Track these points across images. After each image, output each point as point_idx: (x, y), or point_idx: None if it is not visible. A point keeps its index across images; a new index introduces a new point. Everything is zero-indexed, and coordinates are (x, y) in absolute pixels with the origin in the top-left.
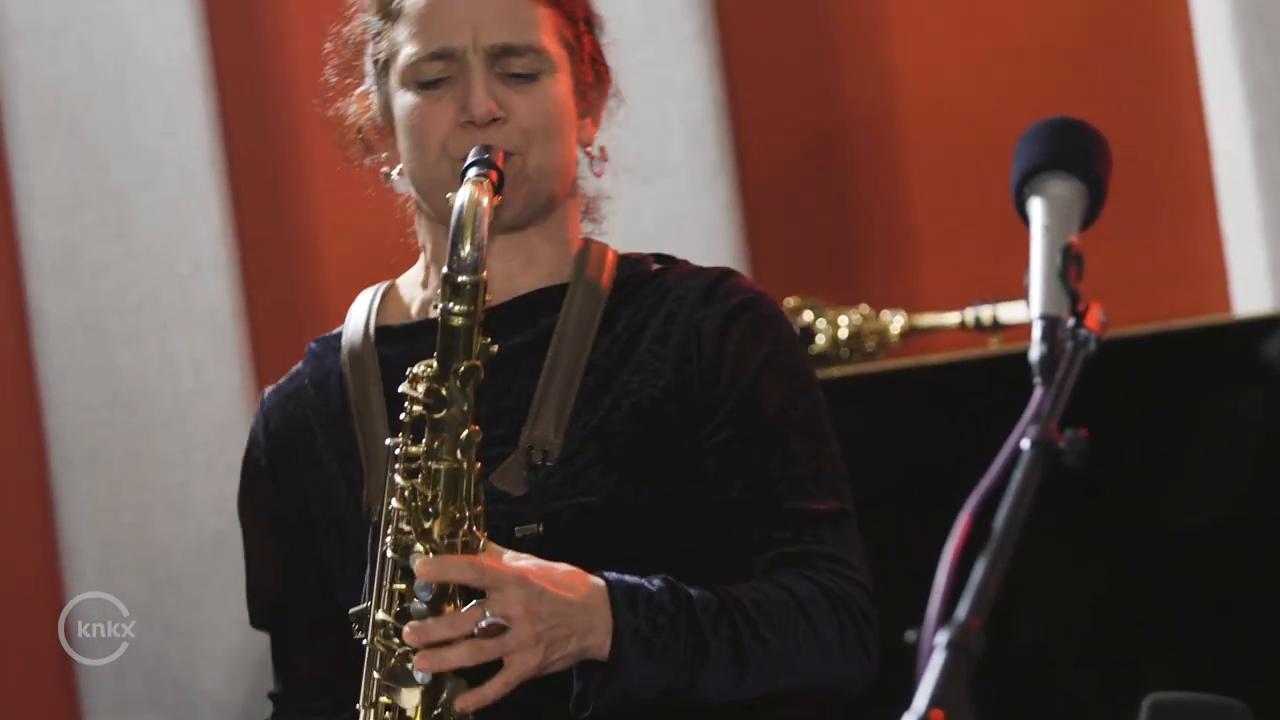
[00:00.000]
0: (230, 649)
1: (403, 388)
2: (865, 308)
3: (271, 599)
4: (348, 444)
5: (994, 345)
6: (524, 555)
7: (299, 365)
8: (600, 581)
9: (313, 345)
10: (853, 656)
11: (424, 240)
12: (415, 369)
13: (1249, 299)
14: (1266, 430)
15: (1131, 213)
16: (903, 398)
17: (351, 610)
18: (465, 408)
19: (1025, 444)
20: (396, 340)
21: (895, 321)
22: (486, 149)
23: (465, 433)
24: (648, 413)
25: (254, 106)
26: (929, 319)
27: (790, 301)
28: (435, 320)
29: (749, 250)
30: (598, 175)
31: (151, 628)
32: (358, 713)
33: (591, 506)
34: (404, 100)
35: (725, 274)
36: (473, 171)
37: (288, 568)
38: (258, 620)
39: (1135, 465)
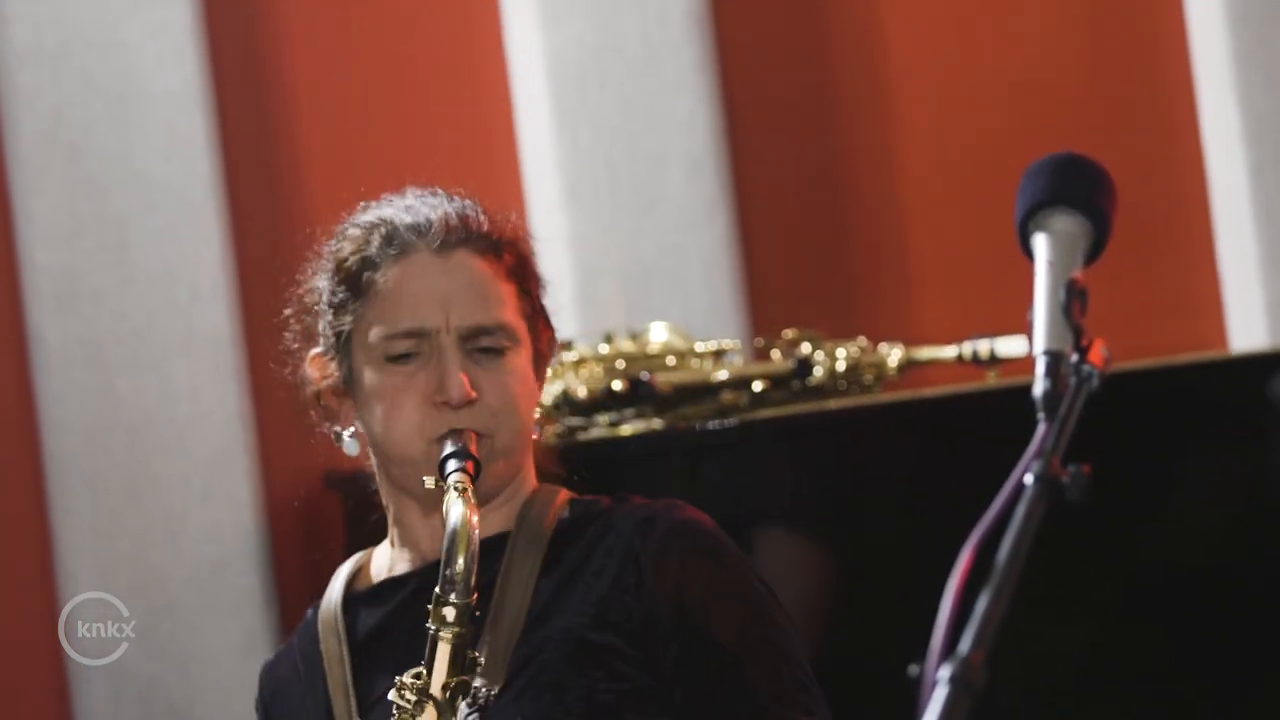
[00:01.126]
0: (226, 676)
1: (391, 695)
2: (863, 340)
3: None
4: (322, 706)
5: (991, 379)
6: None
7: (293, 636)
8: None
9: (308, 612)
10: None
11: (387, 502)
12: (404, 678)
13: (1245, 335)
14: (1262, 467)
15: (1129, 248)
16: (900, 431)
17: None
18: (452, 718)
19: (1029, 479)
20: (360, 604)
21: (893, 355)
22: (460, 436)
23: None
24: (576, 638)
25: (254, 134)
26: (926, 352)
27: (788, 334)
28: (397, 578)
29: (747, 282)
30: (535, 438)
31: (148, 654)
32: None
33: None
34: (373, 375)
35: (667, 505)
36: (451, 465)
37: None
38: None
39: (1129, 501)
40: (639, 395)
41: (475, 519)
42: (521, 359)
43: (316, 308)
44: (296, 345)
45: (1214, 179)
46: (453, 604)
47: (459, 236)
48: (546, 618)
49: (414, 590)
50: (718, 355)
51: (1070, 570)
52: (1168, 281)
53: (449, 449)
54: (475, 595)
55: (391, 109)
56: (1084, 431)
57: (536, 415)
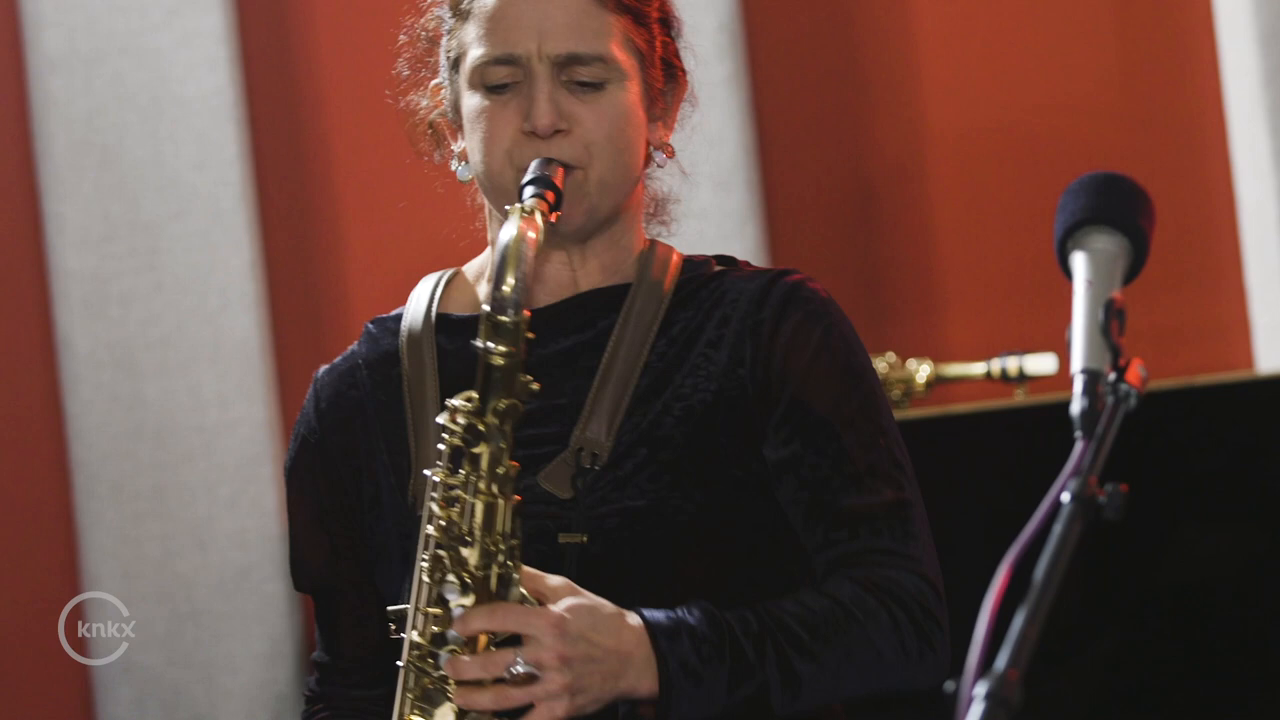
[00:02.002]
0: (250, 683)
1: (441, 418)
2: (892, 356)
3: (315, 570)
4: (398, 431)
5: (1019, 396)
6: (563, 585)
7: (354, 345)
8: (638, 620)
9: (369, 325)
10: (914, 656)
11: (491, 234)
12: (454, 401)
13: (1271, 356)
14: None
15: (1156, 268)
16: (928, 447)
17: (390, 609)
18: (503, 444)
19: (1066, 497)
20: (455, 331)
21: (921, 371)
22: (547, 165)
23: (502, 469)
24: (699, 417)
25: (285, 142)
26: (955, 369)
27: None
28: None
29: None
30: (660, 166)
31: (172, 661)
32: None
33: (639, 511)
34: (471, 101)
35: (780, 274)
36: (528, 192)
37: (334, 544)
38: (301, 586)
39: (1155, 520)
40: None
41: (533, 236)
42: (627, 95)
43: (436, 35)
44: (408, 74)
45: (1242, 200)
46: (500, 323)
47: None
48: (661, 386)
49: None
50: None
51: (1095, 586)
52: (1195, 302)
53: (530, 175)
54: (528, 313)
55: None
56: (1111, 450)
57: (660, 157)
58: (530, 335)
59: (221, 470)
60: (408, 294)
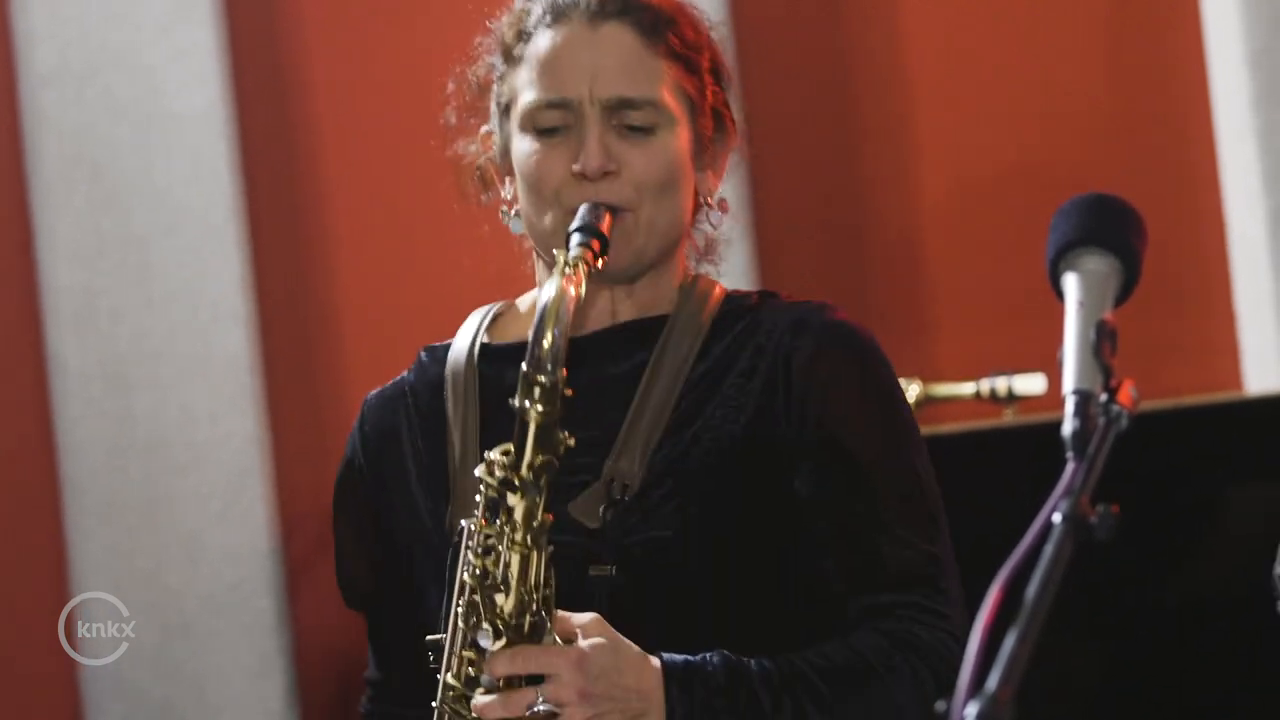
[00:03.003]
0: (239, 698)
1: (478, 471)
2: None
3: (363, 588)
4: (438, 459)
5: (1009, 416)
6: (593, 623)
7: (405, 372)
8: (658, 663)
9: (421, 353)
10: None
11: (539, 277)
12: (492, 455)
13: (1261, 377)
14: (1277, 508)
15: (1145, 288)
16: None
17: (427, 638)
18: (538, 498)
19: (1057, 518)
20: (496, 358)
21: (910, 390)
22: (594, 211)
23: (537, 521)
24: (728, 449)
25: (276, 157)
26: (944, 388)
27: None
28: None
29: None
30: (714, 227)
31: (162, 675)
32: None
33: (666, 541)
34: (521, 145)
35: (819, 306)
36: (574, 240)
37: (379, 563)
38: (351, 604)
39: (1143, 542)
40: None
41: (574, 293)
42: (676, 140)
43: (486, 81)
44: (455, 122)
45: (1231, 221)
46: (540, 382)
47: (614, 9)
48: (693, 416)
49: None
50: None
51: (1084, 606)
52: (1184, 322)
53: (577, 222)
54: (564, 372)
55: (414, 133)
56: (1102, 471)
57: (711, 213)
58: (569, 392)
59: (212, 485)
60: (398, 310)
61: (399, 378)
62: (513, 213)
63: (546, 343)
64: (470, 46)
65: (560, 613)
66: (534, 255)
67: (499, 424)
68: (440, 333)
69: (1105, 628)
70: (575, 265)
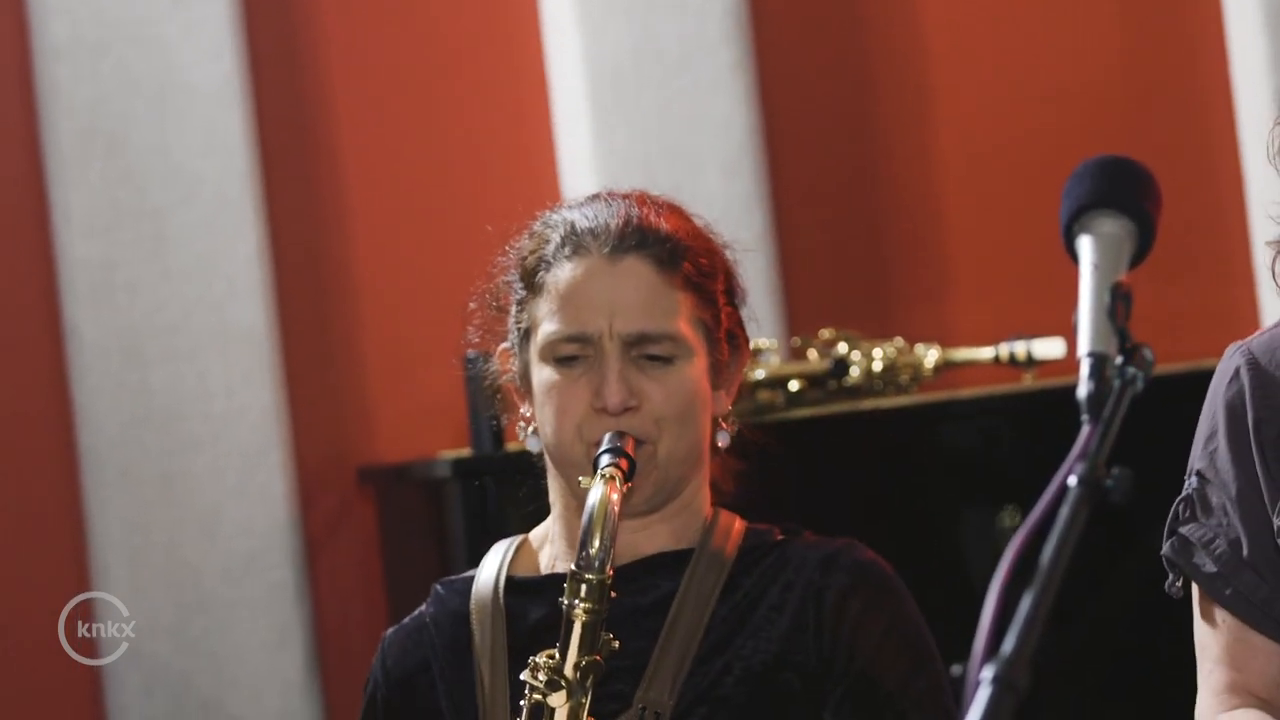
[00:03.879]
0: (258, 671)
1: (524, 675)
2: (900, 341)
3: None
4: (466, 689)
5: (1028, 380)
6: None
7: (422, 606)
8: None
9: (438, 587)
10: None
11: (553, 499)
12: (537, 658)
13: None
14: None
15: (1165, 253)
16: (936, 431)
17: None
18: (583, 700)
19: (1073, 481)
20: (524, 592)
21: (929, 355)
22: (619, 437)
23: None
24: (758, 678)
25: (292, 130)
26: (963, 353)
27: (824, 334)
28: (561, 574)
29: (783, 282)
30: (721, 446)
31: (179, 649)
32: None
33: None
34: (542, 374)
35: (847, 545)
36: (605, 460)
37: None
38: None
39: (1162, 505)
40: None
41: (617, 498)
42: (693, 369)
43: (505, 303)
44: (477, 340)
45: (1250, 184)
46: (588, 581)
47: (632, 242)
48: (723, 647)
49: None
50: (754, 354)
51: (1098, 571)
52: (1203, 286)
53: (604, 445)
54: (610, 573)
55: (429, 106)
56: (1119, 434)
57: (721, 433)
58: (614, 595)
59: (229, 458)
60: (416, 281)
61: (416, 613)
62: (530, 430)
63: (595, 542)
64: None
65: None
66: (550, 479)
67: (526, 656)
68: (457, 304)
69: (1122, 590)
70: (613, 478)
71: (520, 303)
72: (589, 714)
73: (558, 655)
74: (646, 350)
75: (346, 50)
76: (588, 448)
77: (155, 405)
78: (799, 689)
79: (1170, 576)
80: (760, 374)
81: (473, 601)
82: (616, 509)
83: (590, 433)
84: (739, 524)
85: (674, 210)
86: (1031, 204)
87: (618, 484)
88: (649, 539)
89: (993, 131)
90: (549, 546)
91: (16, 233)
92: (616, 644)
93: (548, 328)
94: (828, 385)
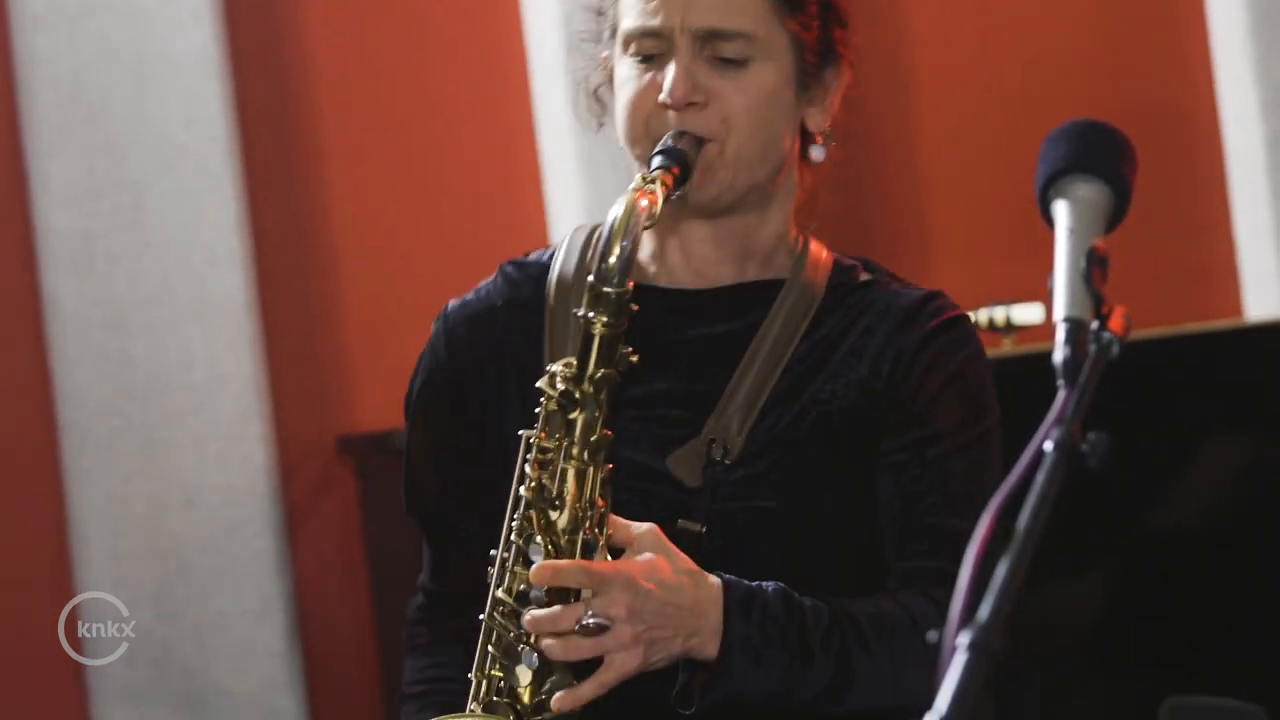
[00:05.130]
0: (239, 640)
1: (540, 383)
2: None
3: (429, 502)
4: (532, 380)
5: (1008, 346)
6: (648, 533)
7: (487, 283)
8: (716, 582)
9: (507, 267)
10: None
11: None
12: (554, 367)
13: (1260, 303)
14: (1276, 434)
15: (1144, 216)
16: None
17: (492, 553)
18: (598, 413)
19: (1049, 446)
20: None
21: None
22: (680, 138)
23: (595, 437)
24: (834, 424)
25: (271, 99)
26: None
27: None
28: (649, 286)
29: None
30: (814, 160)
31: (161, 618)
32: (469, 680)
33: (769, 511)
34: (621, 70)
35: (930, 296)
36: (655, 162)
37: (451, 480)
38: (412, 509)
39: (1143, 468)
40: None
41: (645, 206)
42: (771, 74)
43: (600, 7)
44: (584, 44)
45: (1230, 147)
46: (605, 294)
47: None
48: (799, 389)
49: (653, 302)
50: None
51: (1081, 536)
52: (1184, 249)
53: (660, 146)
54: (631, 285)
55: (409, 76)
56: (1097, 398)
57: (815, 148)
58: (635, 307)
59: (210, 427)
60: (395, 250)
61: (481, 291)
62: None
63: (615, 254)
64: None
65: (618, 519)
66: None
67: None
68: (436, 273)
69: (1102, 554)
70: (652, 182)
71: (611, 2)
72: (608, 427)
73: (575, 365)
74: (720, 50)
75: (326, 20)
76: (653, 143)
77: (135, 376)
78: (865, 435)
79: None
80: None
81: (549, 292)
82: (642, 217)
83: (656, 128)
84: (828, 255)
85: None
86: (1011, 169)
87: (656, 190)
88: (738, 266)
89: (973, 97)
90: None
91: None
92: (635, 357)
93: (625, 22)
94: None
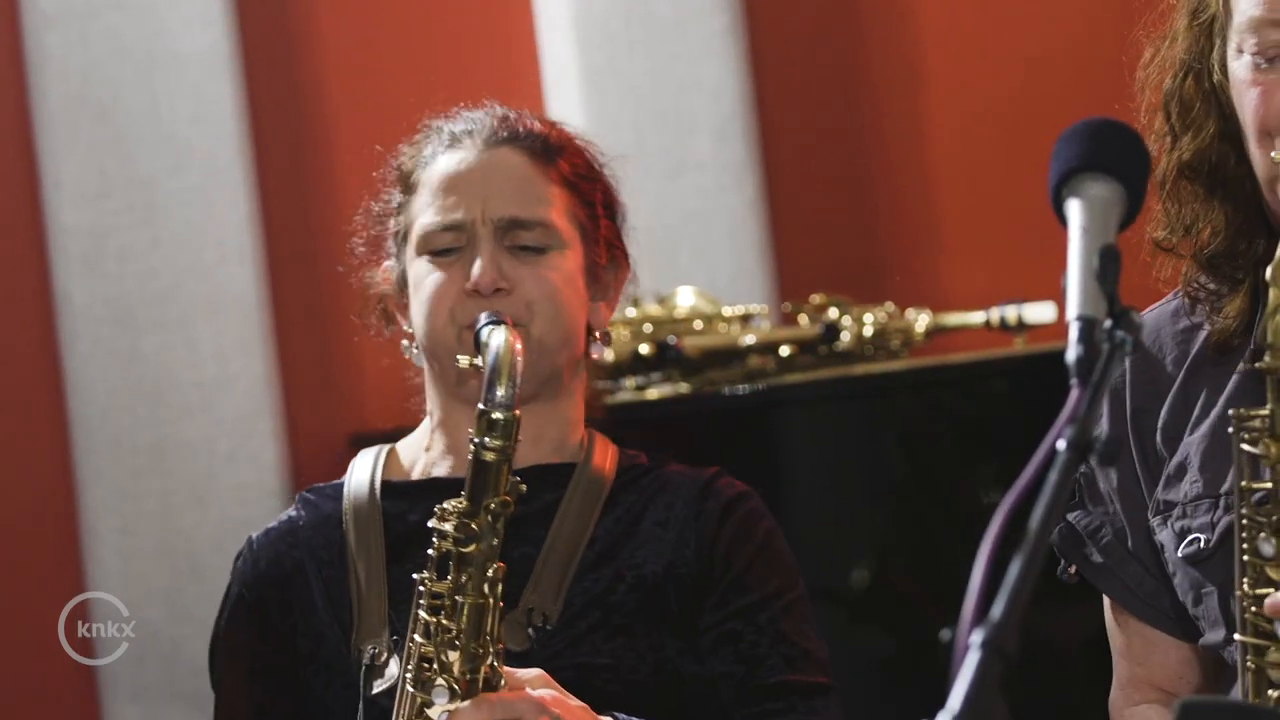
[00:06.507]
0: None
1: (432, 523)
2: (891, 306)
3: None
4: (341, 588)
5: (1018, 345)
6: (538, 676)
7: (289, 511)
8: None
9: (306, 494)
10: None
11: (431, 407)
12: (445, 505)
13: None
14: None
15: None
16: (927, 396)
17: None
18: (494, 543)
19: (1060, 445)
20: (400, 495)
21: (920, 320)
22: (494, 314)
23: (492, 569)
24: (649, 587)
25: (281, 96)
26: (954, 318)
27: (816, 299)
28: (438, 480)
29: (774, 247)
30: (595, 358)
31: (171, 616)
32: None
33: (595, 668)
34: (418, 268)
35: (717, 474)
36: (484, 319)
37: (264, 701)
38: None
39: None
40: (666, 359)
41: (520, 346)
42: (567, 262)
43: (385, 214)
44: (363, 250)
45: None
46: (496, 419)
47: (506, 135)
48: (610, 556)
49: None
50: (745, 320)
51: None
52: None
53: (482, 320)
54: (519, 413)
55: (419, 71)
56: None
57: (595, 345)
58: (519, 439)
59: (220, 425)
60: None
61: (284, 518)
62: (414, 347)
63: (503, 381)
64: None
65: (504, 668)
66: (428, 388)
67: (402, 556)
68: None
69: None
70: (503, 323)
71: (398, 208)
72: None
73: (467, 498)
74: (519, 239)
75: (336, 18)
76: (460, 331)
77: (146, 373)
78: (681, 602)
79: (1061, 563)
80: (751, 339)
81: (346, 504)
82: (520, 353)
83: (463, 315)
84: (612, 447)
85: (554, 122)
86: (1022, 168)
87: (516, 331)
88: (530, 451)
89: (984, 95)
90: (424, 455)
91: (7, 201)
92: (524, 486)
93: (423, 220)
94: (819, 350)
